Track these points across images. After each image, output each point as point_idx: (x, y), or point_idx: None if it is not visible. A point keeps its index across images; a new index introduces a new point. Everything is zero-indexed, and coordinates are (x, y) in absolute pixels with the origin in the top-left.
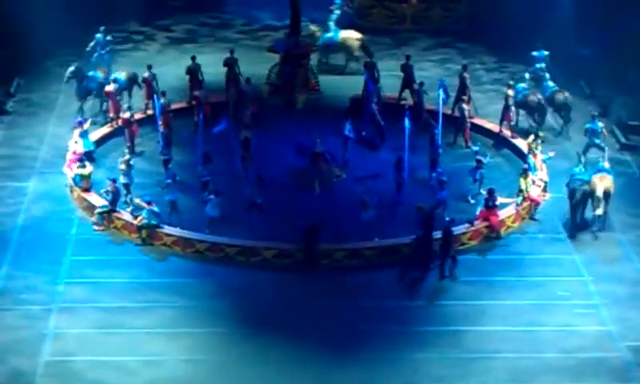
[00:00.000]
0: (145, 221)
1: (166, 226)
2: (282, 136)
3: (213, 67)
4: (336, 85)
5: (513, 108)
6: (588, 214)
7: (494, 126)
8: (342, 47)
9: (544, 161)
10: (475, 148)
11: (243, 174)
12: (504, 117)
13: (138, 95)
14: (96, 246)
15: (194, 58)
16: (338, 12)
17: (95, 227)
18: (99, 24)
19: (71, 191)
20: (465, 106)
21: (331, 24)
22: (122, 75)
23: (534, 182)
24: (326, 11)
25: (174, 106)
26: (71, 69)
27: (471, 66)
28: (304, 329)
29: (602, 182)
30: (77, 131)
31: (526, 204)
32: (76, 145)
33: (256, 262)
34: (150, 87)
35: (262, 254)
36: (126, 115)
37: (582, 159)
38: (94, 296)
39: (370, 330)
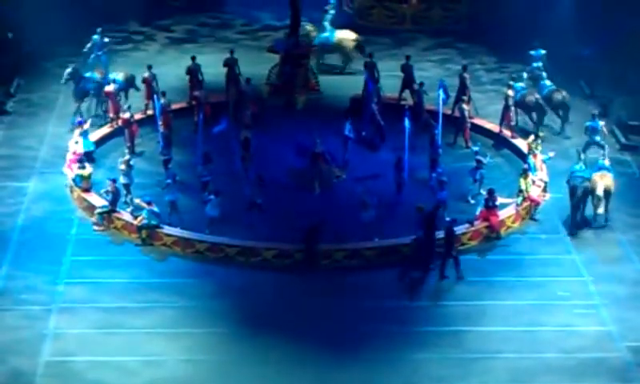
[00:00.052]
0: (145, 221)
1: (165, 226)
2: (282, 136)
3: (213, 67)
4: (336, 85)
5: (513, 108)
6: (588, 211)
7: (494, 127)
8: (338, 47)
9: (544, 161)
10: (475, 148)
11: (243, 174)
12: (504, 117)
13: (137, 96)
14: (96, 246)
15: (194, 58)
16: (332, 12)
17: (95, 227)
18: (99, 24)
19: (71, 191)
20: (465, 106)
21: (326, 24)
22: (119, 76)
23: (534, 182)
24: (321, 11)
25: (174, 106)
26: (68, 70)
27: (471, 66)
28: (304, 329)
29: (603, 181)
30: (77, 131)
31: (526, 204)
32: (76, 145)
33: (256, 263)
34: (150, 87)
35: (262, 255)
36: (126, 115)
37: (582, 156)
38: (94, 296)
39: (370, 330)
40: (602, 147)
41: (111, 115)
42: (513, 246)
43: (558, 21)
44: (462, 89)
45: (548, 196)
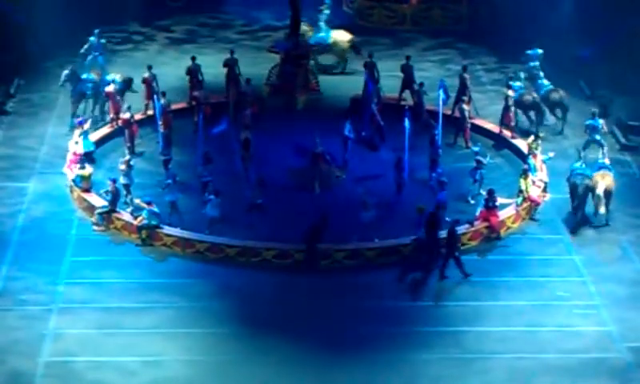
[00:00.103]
0: (145, 221)
1: (166, 227)
2: (281, 136)
3: (213, 68)
4: (336, 85)
5: (513, 108)
6: (588, 209)
7: (494, 127)
8: (333, 48)
9: (544, 161)
10: (475, 148)
11: (243, 174)
12: (504, 117)
13: (137, 96)
14: (96, 246)
15: (193, 59)
16: (327, 12)
17: (95, 228)
18: (99, 24)
19: (71, 192)
20: (465, 106)
21: (322, 24)
22: (117, 78)
23: (533, 182)
24: (316, 11)
25: (174, 107)
26: (66, 72)
27: (471, 66)
28: (304, 329)
29: (604, 180)
30: (77, 131)
31: (525, 204)
32: (76, 145)
33: (256, 263)
34: (150, 88)
35: (262, 255)
36: (126, 116)
37: (582, 154)
38: (93, 296)
39: (369, 330)
40: (602, 146)
41: (111, 115)
42: (513, 247)
43: (557, 21)
44: (462, 89)
45: (548, 196)
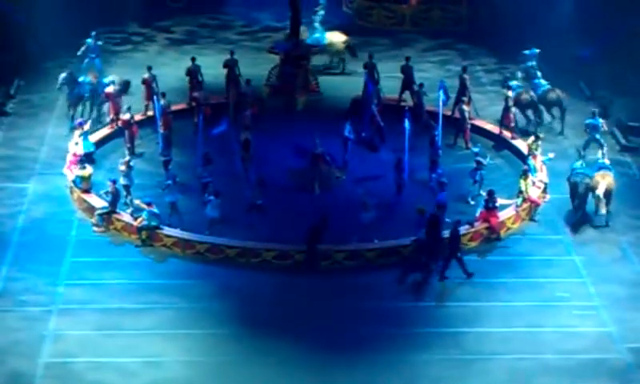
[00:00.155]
0: (145, 222)
1: (165, 228)
2: (281, 137)
3: (213, 68)
4: (336, 86)
5: (513, 109)
6: (589, 208)
7: (493, 128)
8: (328, 49)
9: (544, 162)
10: (475, 149)
11: (243, 175)
12: (504, 118)
13: (137, 97)
14: (96, 247)
15: (193, 60)
16: (322, 13)
17: (95, 228)
18: (99, 25)
19: (71, 192)
20: (465, 107)
21: (317, 25)
22: (115, 80)
23: (533, 183)
24: (311, 12)
25: (173, 108)
26: (63, 75)
27: (471, 67)
28: (304, 330)
29: (604, 180)
30: (77, 132)
31: (525, 205)
32: (76, 146)
33: (256, 264)
34: (150, 88)
35: (262, 256)
36: (126, 116)
37: (582, 153)
38: (93, 297)
39: (369, 331)
40: (602, 145)
41: (111, 116)
42: (513, 247)
43: (557, 21)
44: (462, 90)
45: (548, 197)
